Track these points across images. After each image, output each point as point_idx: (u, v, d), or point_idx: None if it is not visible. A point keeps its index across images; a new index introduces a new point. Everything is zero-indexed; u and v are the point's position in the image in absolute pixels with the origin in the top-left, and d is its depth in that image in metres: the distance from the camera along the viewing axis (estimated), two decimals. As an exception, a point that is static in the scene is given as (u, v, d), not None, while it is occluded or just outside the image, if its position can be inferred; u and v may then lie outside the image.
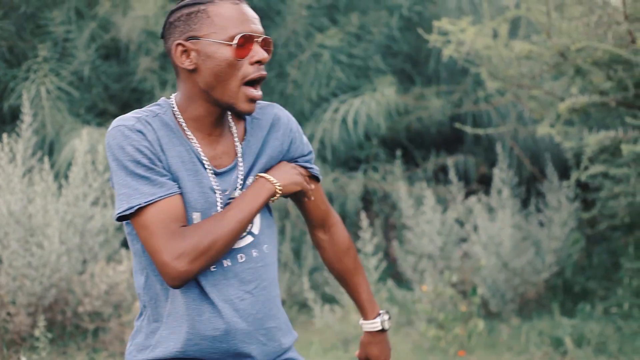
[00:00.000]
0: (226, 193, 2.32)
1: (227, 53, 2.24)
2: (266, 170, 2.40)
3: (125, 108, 8.81)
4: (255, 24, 2.28)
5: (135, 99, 8.77)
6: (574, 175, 7.05)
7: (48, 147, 7.95)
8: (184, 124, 2.32)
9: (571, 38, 6.44)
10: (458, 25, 7.02)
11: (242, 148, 2.37)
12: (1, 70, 8.31)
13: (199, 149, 2.31)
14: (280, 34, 8.74)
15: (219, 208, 2.30)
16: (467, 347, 6.29)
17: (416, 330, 6.76)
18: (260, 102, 2.42)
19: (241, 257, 2.33)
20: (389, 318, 2.63)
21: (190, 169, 2.29)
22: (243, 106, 2.27)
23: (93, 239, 6.32)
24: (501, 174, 7.63)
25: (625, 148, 6.05)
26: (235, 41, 2.24)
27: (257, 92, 2.28)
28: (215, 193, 2.31)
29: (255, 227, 2.37)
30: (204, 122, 2.33)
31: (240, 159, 2.36)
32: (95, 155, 6.80)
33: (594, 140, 6.46)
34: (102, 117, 8.58)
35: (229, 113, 2.38)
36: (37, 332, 5.64)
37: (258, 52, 2.26)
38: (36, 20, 8.66)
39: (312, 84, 8.58)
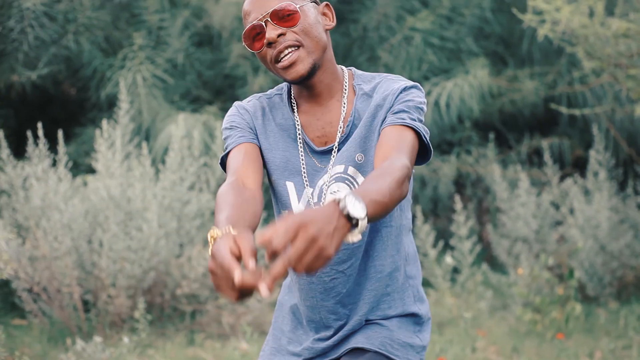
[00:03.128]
0: (319, 166, 2.43)
1: (249, 49, 2.42)
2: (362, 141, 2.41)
3: (218, 94, 8.92)
4: (256, 10, 2.36)
5: (228, 85, 8.87)
6: (674, 156, 6.89)
7: (145, 133, 8.10)
8: (294, 102, 2.50)
9: (670, 15, 6.29)
10: (553, 3, 6.90)
11: (343, 121, 2.44)
12: (98, 59, 8.50)
13: (298, 122, 2.47)
14: (371, 17, 8.72)
15: (304, 178, 2.42)
16: (565, 331, 6.20)
17: (512, 314, 6.70)
18: (385, 77, 2.47)
19: None
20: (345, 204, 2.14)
21: (287, 140, 2.47)
22: (287, 77, 2.39)
23: (190, 223, 6.42)
24: (597, 156, 7.48)
25: None
26: (244, 43, 2.41)
27: (283, 63, 2.36)
28: (301, 162, 2.45)
29: None
30: (300, 98, 2.49)
31: (340, 130, 2.44)
32: (191, 140, 6.90)
33: (695, 119, 6.30)
34: (196, 104, 8.70)
35: (344, 84, 2.47)
36: (137, 314, 5.77)
37: (265, 35, 2.35)
38: (131, 10, 8.82)
39: (404, 67, 8.54)
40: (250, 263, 1.81)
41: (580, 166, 8.64)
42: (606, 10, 7.82)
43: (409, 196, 2.48)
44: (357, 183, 2.38)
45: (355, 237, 1.88)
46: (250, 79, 8.51)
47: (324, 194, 2.41)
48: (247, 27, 2.37)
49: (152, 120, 8.11)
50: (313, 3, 2.42)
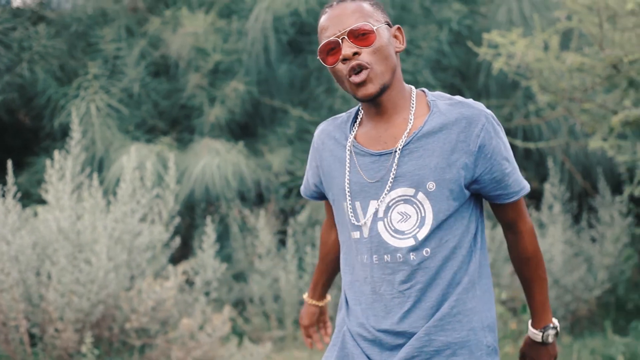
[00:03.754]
0: (374, 181, 2.51)
1: (322, 63, 2.49)
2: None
3: (174, 124, 8.86)
4: (334, 26, 2.45)
5: (184, 115, 8.81)
6: (627, 190, 6.90)
7: (97, 164, 8.01)
8: (359, 118, 2.63)
9: (624, 50, 6.33)
10: (508, 37, 6.93)
11: (408, 133, 2.49)
12: (52, 88, 8.41)
13: (350, 139, 2.58)
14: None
15: (348, 195, 2.56)
16: (518, 366, 6.18)
17: (465, 348, 6.65)
18: (461, 100, 2.52)
19: (399, 257, 2.49)
20: (556, 333, 2.72)
21: (338, 161, 2.61)
22: (357, 94, 2.46)
23: (140, 256, 6.33)
24: (552, 189, 7.50)
25: (680, 162, 5.91)
26: (318, 56, 2.49)
27: (356, 78, 2.43)
28: (346, 180, 2.58)
29: (422, 233, 2.46)
30: (368, 114, 2.56)
31: (399, 146, 2.48)
32: (144, 171, 6.83)
33: (647, 154, 6.33)
34: (151, 134, 8.62)
35: (412, 102, 2.53)
36: (84, 349, 5.66)
37: (341, 51, 2.43)
38: (87, 38, 8.75)
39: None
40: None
41: (535, 198, 8.66)
42: (561, 45, 7.88)
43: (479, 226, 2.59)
44: (423, 209, 2.46)
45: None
46: (207, 109, 8.46)
47: (390, 212, 2.49)
48: (324, 42, 2.46)
49: (105, 151, 8.02)
50: (387, 25, 2.49)
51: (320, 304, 3.12)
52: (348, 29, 2.42)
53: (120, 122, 8.32)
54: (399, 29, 2.53)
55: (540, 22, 7.94)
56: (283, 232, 8.29)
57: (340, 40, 2.43)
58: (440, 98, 2.53)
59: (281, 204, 8.37)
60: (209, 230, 6.86)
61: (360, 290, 2.56)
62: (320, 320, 3.17)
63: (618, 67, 6.46)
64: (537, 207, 8.14)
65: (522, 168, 8.83)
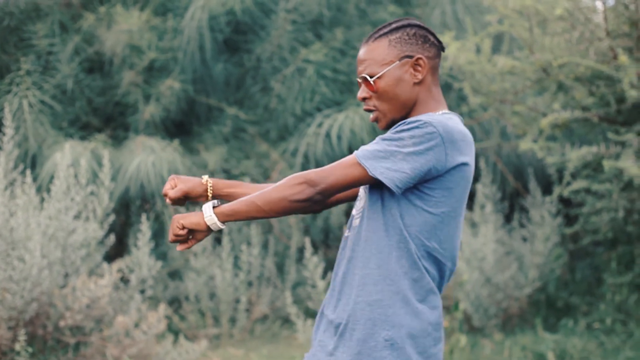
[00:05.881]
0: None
1: None
2: None
3: (108, 121, 8.79)
4: (358, 67, 2.72)
5: (118, 112, 8.75)
6: (557, 190, 7.06)
7: (30, 161, 7.91)
8: None
9: (553, 54, 6.48)
10: (441, 40, 7.03)
11: None
12: (-16, 83, 8.29)
13: None
14: (264, 48, 8.74)
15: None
16: (450, 362, 6.28)
17: (399, 345, 6.73)
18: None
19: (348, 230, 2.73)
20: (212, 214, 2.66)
21: None
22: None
23: (75, 253, 6.28)
24: (484, 189, 7.64)
25: (607, 164, 6.07)
26: None
27: (370, 117, 2.73)
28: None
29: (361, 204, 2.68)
30: None
31: None
32: (78, 168, 6.77)
33: (576, 155, 6.48)
34: (85, 131, 8.55)
35: None
36: (17, 346, 5.60)
37: (359, 92, 2.72)
38: (19, 33, 8.64)
39: (297, 98, 8.58)
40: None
41: (468, 198, 8.78)
42: (492, 48, 8.02)
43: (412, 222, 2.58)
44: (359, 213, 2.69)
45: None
46: (142, 107, 8.42)
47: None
48: (357, 75, 2.73)
49: (38, 147, 7.93)
50: (405, 59, 2.67)
51: (210, 188, 2.89)
52: (359, 75, 2.70)
53: (53, 119, 8.23)
54: (419, 59, 2.68)
55: (473, 26, 8.08)
56: (219, 230, 8.29)
57: (359, 81, 2.72)
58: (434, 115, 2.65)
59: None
60: (144, 228, 6.83)
61: None
62: (192, 197, 2.93)
63: (548, 71, 6.62)
64: (470, 207, 8.28)
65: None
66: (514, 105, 7.13)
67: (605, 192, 7.01)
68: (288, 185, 2.55)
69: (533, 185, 7.94)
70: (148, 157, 7.80)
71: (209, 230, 2.66)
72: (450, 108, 8.85)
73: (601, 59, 6.34)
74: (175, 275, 8.07)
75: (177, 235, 2.67)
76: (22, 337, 5.58)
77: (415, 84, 2.67)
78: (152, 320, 6.24)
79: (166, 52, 8.60)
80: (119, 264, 6.61)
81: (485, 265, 7.15)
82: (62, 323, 6.01)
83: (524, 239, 7.97)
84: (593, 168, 6.96)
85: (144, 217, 7.02)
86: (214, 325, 7.44)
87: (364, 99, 2.71)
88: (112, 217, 6.70)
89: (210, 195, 2.87)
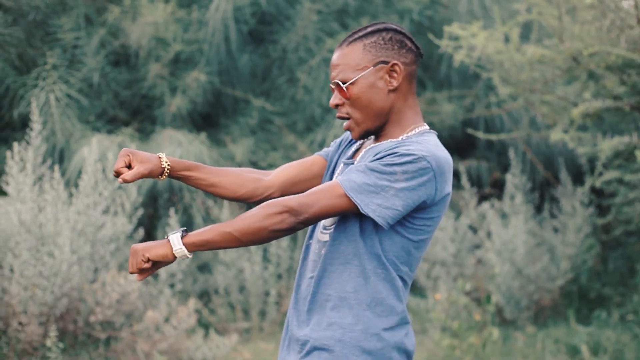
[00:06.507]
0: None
1: None
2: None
3: (135, 114, 8.78)
4: (331, 72, 2.62)
5: (145, 105, 8.74)
6: (588, 181, 6.99)
7: (58, 155, 7.91)
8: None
9: (584, 42, 6.39)
10: (469, 30, 6.96)
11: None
12: (11, 77, 8.28)
13: (350, 152, 2.75)
14: (290, 39, 8.70)
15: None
16: (482, 356, 6.23)
17: (430, 338, 6.70)
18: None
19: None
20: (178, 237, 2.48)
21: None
22: None
23: (104, 248, 6.28)
24: (514, 180, 7.57)
25: (640, 154, 5.99)
26: None
27: (344, 125, 2.63)
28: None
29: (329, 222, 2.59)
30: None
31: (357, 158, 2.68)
32: (106, 163, 6.76)
33: (607, 145, 6.40)
34: (113, 124, 8.54)
35: (402, 137, 2.61)
36: (48, 342, 5.61)
37: (331, 99, 2.63)
38: (45, 27, 8.63)
39: (323, 89, 8.53)
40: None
41: (498, 187, 8.73)
42: (521, 37, 7.94)
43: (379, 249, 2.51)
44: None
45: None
46: (168, 99, 8.40)
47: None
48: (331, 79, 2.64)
49: (66, 142, 7.93)
50: (379, 65, 2.56)
51: (167, 170, 2.68)
52: (332, 81, 2.60)
53: (80, 113, 8.22)
54: (395, 65, 2.57)
55: (501, 14, 7.99)
56: None
57: (332, 87, 2.61)
58: (416, 138, 2.56)
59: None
60: (173, 222, 6.82)
61: None
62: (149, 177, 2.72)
63: (578, 60, 6.53)
64: (500, 198, 8.21)
65: (485, 159, 8.90)
66: (543, 94, 7.05)
67: (637, 182, 6.93)
68: (267, 214, 2.39)
69: (564, 174, 7.86)
70: (175, 150, 7.79)
71: (174, 260, 2.47)
72: (479, 97, 8.78)
73: (632, 47, 6.24)
74: (204, 268, 8.06)
75: (141, 269, 2.44)
76: (53, 332, 5.59)
77: (390, 91, 2.57)
78: (182, 315, 6.23)
79: (191, 44, 8.57)
80: (148, 258, 6.60)
81: (516, 256, 7.09)
82: (92, 318, 6.02)
83: (555, 230, 7.90)
84: (625, 158, 6.87)
85: (172, 210, 7.01)
86: (244, 319, 7.42)
87: (337, 105, 2.60)
88: (140, 211, 6.69)
89: (166, 175, 2.66)
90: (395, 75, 2.56)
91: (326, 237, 2.56)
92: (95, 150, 6.46)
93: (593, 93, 6.71)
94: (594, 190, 8.09)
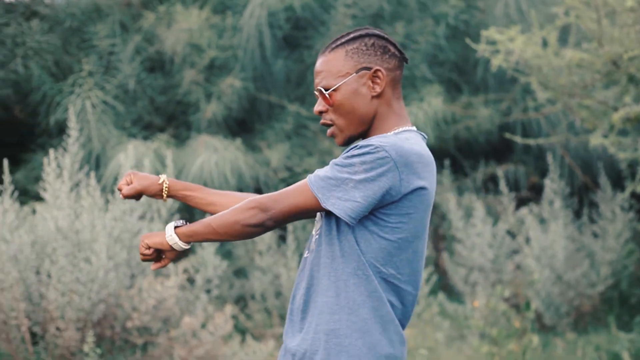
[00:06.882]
0: None
1: None
2: None
3: (170, 120, 8.80)
4: (315, 77, 2.59)
5: (180, 111, 8.75)
6: (629, 187, 6.89)
7: (95, 162, 7.94)
8: None
9: (623, 46, 6.31)
10: (507, 34, 6.90)
11: None
12: (47, 84, 8.33)
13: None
14: (324, 44, 8.67)
15: None
16: (522, 363, 6.16)
17: (469, 345, 6.64)
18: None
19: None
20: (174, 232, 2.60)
21: None
22: None
23: (141, 254, 6.27)
24: (553, 185, 7.48)
25: (683, 158, 5.90)
26: None
27: (327, 132, 2.61)
28: None
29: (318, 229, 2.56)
30: None
31: None
32: (142, 169, 6.76)
33: (649, 150, 6.31)
34: (148, 130, 8.56)
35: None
36: (86, 347, 5.61)
37: (315, 106, 2.60)
38: (81, 34, 8.68)
39: (359, 94, 8.48)
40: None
41: (536, 190, 8.65)
42: (559, 40, 7.86)
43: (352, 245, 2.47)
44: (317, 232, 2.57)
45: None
46: (203, 105, 8.41)
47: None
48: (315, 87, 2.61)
49: (102, 148, 7.96)
50: (362, 71, 2.54)
51: (165, 188, 2.79)
52: (316, 88, 2.58)
53: (116, 119, 8.25)
54: (378, 71, 2.54)
55: (538, 18, 7.92)
56: (283, 228, 8.25)
57: (316, 93, 2.59)
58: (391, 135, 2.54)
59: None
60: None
61: None
62: (147, 195, 2.82)
63: (617, 63, 6.45)
64: (538, 203, 8.13)
65: (522, 163, 8.82)
66: (582, 99, 6.96)
67: (679, 187, 6.82)
68: (242, 209, 2.46)
69: (603, 179, 7.77)
70: (211, 156, 7.78)
71: (174, 249, 2.58)
72: (516, 101, 8.70)
73: (674, 50, 6.16)
74: (240, 273, 8.04)
75: (144, 255, 2.61)
76: (90, 338, 5.59)
77: (373, 97, 2.53)
78: (218, 321, 6.21)
79: (226, 50, 8.58)
80: (184, 264, 6.60)
81: (555, 262, 7.01)
82: (129, 324, 6.02)
83: (595, 235, 7.80)
84: (667, 162, 6.77)
85: (207, 216, 6.99)
86: (281, 324, 7.40)
87: (321, 112, 2.58)
88: (176, 217, 6.69)
89: (165, 194, 2.76)
90: (378, 81, 2.54)
91: (314, 246, 2.54)
92: (132, 157, 6.47)
93: (633, 97, 6.61)
94: (634, 194, 7.98)
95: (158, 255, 2.63)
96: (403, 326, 2.54)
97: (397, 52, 2.58)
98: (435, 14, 8.87)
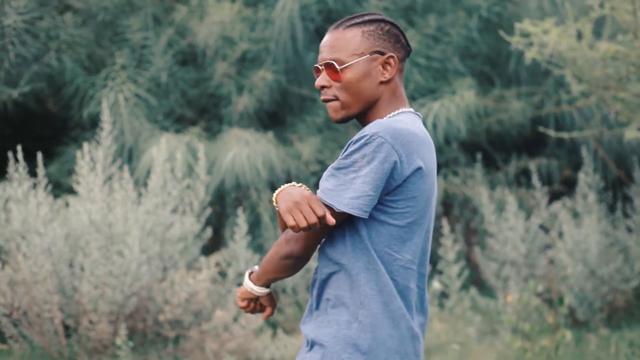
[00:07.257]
0: None
1: None
2: None
3: (202, 113, 8.81)
4: (321, 53, 2.59)
5: (212, 104, 8.77)
6: (665, 180, 6.81)
7: (127, 155, 7.97)
8: None
9: (660, 38, 6.23)
10: (541, 26, 6.83)
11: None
12: (80, 77, 8.37)
13: None
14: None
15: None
16: (555, 359, 6.11)
17: (501, 340, 6.60)
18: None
19: None
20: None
21: None
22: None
23: (173, 247, 6.30)
24: (586, 178, 7.41)
25: None
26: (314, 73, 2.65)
27: (327, 105, 2.61)
28: None
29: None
30: None
31: None
32: (174, 162, 6.78)
33: (685, 143, 6.23)
34: (180, 123, 8.58)
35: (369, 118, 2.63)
36: (118, 340, 5.64)
37: (317, 80, 2.61)
38: (114, 28, 8.71)
39: (390, 87, 8.45)
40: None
41: (568, 184, 8.57)
42: (594, 33, 7.77)
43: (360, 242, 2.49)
44: None
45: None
46: (235, 98, 8.41)
47: None
48: (318, 62, 2.61)
49: (134, 141, 7.99)
50: (375, 54, 2.56)
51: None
52: (324, 61, 2.57)
53: (148, 112, 8.28)
54: (390, 57, 2.56)
55: (572, 10, 7.84)
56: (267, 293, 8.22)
57: (320, 67, 2.59)
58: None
59: (311, 193, 8.31)
60: (241, 221, 6.82)
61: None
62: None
63: (654, 55, 6.37)
64: (572, 197, 8.06)
65: (555, 157, 8.74)
66: (617, 91, 6.88)
67: None
68: (276, 243, 2.56)
69: (637, 173, 7.68)
70: (242, 149, 7.79)
71: (261, 294, 2.73)
72: (549, 94, 8.62)
73: None
74: (271, 267, 8.04)
75: (242, 308, 2.79)
76: (122, 331, 5.63)
77: (381, 82, 2.58)
78: (250, 315, 6.22)
79: (258, 42, 8.57)
80: (216, 257, 6.61)
81: (589, 257, 6.94)
82: (161, 317, 6.04)
83: (629, 230, 7.72)
84: (703, 156, 6.69)
85: (240, 210, 7.00)
86: (312, 319, 7.39)
87: (323, 87, 2.58)
88: (208, 211, 6.70)
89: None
90: (389, 67, 2.57)
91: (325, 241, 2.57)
92: (164, 150, 6.49)
93: (669, 89, 6.54)
94: (669, 188, 7.89)
95: (256, 303, 2.78)
96: (424, 308, 2.59)
97: (406, 44, 2.63)
98: (467, 6, 8.80)
